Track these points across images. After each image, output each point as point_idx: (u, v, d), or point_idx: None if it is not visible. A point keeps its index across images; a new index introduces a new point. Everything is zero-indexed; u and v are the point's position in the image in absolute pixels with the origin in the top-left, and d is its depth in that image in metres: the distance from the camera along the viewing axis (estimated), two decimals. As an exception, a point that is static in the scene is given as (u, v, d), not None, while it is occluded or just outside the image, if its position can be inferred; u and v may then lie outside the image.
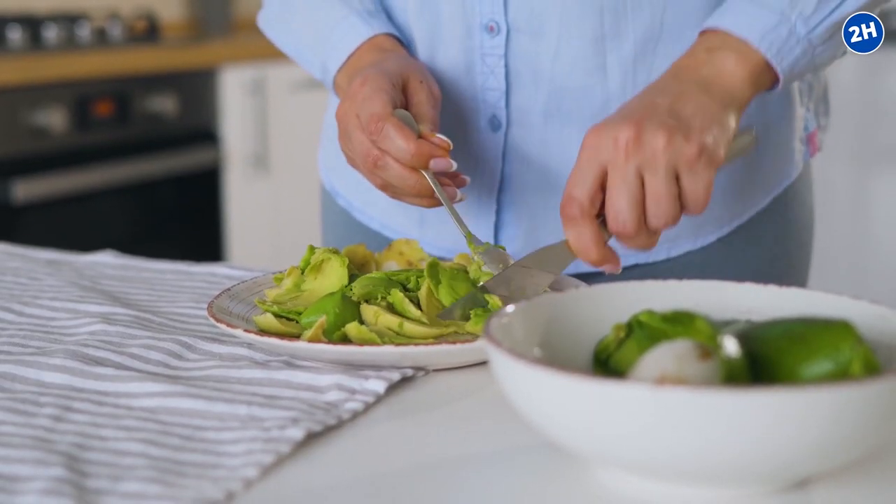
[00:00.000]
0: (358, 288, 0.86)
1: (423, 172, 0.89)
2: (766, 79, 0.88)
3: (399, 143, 0.87)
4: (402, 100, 0.92)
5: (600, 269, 0.83)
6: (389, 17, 1.05)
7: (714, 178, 0.80)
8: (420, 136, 0.89)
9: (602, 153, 0.80)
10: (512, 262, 0.89)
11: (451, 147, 0.90)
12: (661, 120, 0.80)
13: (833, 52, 0.91)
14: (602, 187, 0.80)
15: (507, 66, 0.98)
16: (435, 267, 0.87)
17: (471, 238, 0.91)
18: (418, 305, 0.85)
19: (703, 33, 0.89)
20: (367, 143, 0.89)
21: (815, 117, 1.10)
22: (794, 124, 1.06)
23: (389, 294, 0.85)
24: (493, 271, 0.88)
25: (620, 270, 0.83)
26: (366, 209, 1.12)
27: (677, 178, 0.80)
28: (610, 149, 0.79)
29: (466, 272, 0.89)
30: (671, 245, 1.03)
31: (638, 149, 0.79)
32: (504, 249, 0.92)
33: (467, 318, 0.84)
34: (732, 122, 0.84)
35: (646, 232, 0.81)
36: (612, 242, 0.83)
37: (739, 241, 1.05)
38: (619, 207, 0.79)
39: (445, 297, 0.86)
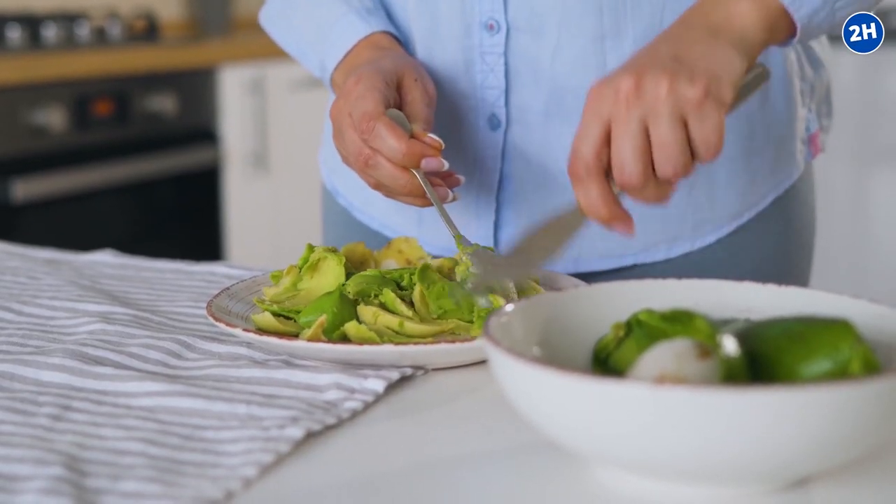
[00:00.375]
0: (352, 286, 0.86)
1: (415, 172, 0.89)
2: (782, 27, 0.84)
3: (390, 142, 0.87)
4: (396, 98, 0.92)
5: (612, 229, 0.79)
6: (389, 15, 1.05)
7: (724, 119, 0.77)
8: (412, 136, 0.89)
9: (604, 107, 0.77)
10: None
11: (443, 147, 0.90)
12: (662, 66, 0.77)
13: (856, 7, 0.87)
14: (608, 142, 0.77)
15: (506, 64, 0.98)
16: (426, 270, 0.87)
17: (459, 239, 0.91)
18: (411, 304, 0.85)
19: None
20: (358, 142, 0.89)
21: (818, 118, 1.10)
22: (795, 125, 1.06)
23: (382, 293, 0.85)
24: (480, 273, 0.88)
25: (634, 232, 0.79)
26: (366, 209, 1.12)
27: (686, 124, 0.76)
28: (611, 101, 0.77)
29: (458, 283, 0.88)
30: (670, 245, 1.03)
31: (639, 97, 0.76)
32: (493, 250, 0.92)
33: (465, 304, 0.84)
34: (741, 61, 0.80)
35: (655, 182, 0.78)
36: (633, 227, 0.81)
37: (739, 242, 1.04)
38: (624, 159, 0.76)
39: (434, 302, 0.86)
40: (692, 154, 0.77)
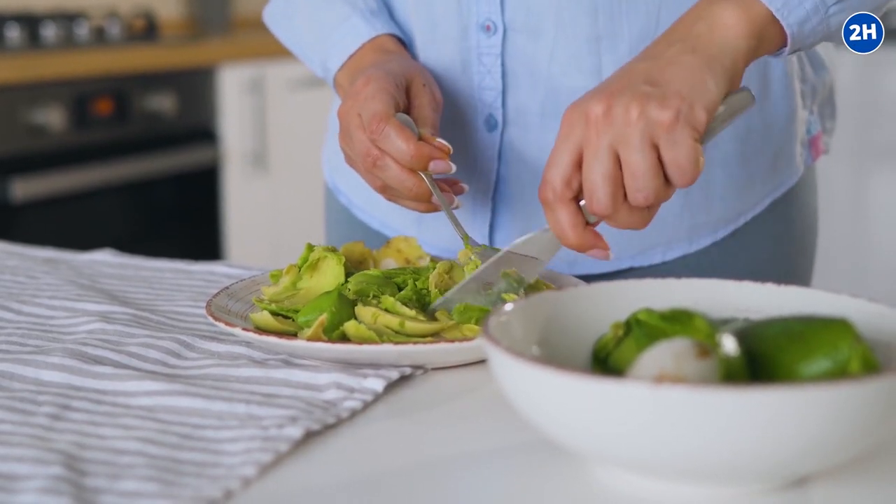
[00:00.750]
0: (353, 284, 0.86)
1: (422, 175, 0.89)
2: (771, 35, 0.82)
3: (399, 143, 0.87)
4: (405, 101, 0.92)
5: (586, 254, 0.79)
6: (392, 14, 1.04)
7: (698, 144, 0.75)
8: (420, 139, 0.89)
9: (575, 132, 0.77)
10: None
11: (451, 151, 0.90)
12: (634, 89, 0.76)
13: (852, 11, 0.85)
14: (579, 167, 0.77)
15: (503, 65, 0.98)
16: (426, 271, 0.88)
17: (467, 240, 0.91)
18: (411, 306, 0.85)
19: None
20: (367, 142, 0.89)
21: (820, 120, 1.09)
22: (795, 127, 1.05)
23: (381, 299, 0.85)
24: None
25: (610, 256, 0.79)
26: (367, 208, 1.12)
27: (658, 149, 0.75)
28: (582, 127, 0.76)
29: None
30: (666, 248, 1.03)
31: (609, 123, 0.75)
32: (500, 251, 0.92)
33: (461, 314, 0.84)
34: (717, 83, 0.78)
35: (627, 209, 0.77)
36: (609, 231, 0.81)
37: (736, 245, 1.04)
38: (594, 186, 0.76)
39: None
40: (667, 179, 0.76)
